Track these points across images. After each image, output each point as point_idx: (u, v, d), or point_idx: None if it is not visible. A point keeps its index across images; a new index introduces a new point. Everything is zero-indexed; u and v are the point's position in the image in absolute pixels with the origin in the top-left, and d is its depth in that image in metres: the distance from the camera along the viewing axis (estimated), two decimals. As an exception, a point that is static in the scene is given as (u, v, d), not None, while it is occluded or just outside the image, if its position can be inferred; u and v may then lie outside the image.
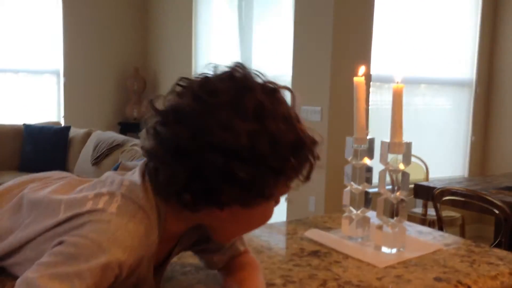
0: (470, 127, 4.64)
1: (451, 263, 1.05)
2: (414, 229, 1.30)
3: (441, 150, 4.46)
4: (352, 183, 1.19)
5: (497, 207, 2.69)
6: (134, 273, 0.72)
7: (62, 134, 4.62)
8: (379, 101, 4.09)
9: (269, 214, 0.78)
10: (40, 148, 4.50)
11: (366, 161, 1.18)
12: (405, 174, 1.11)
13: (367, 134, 1.20)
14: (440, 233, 1.32)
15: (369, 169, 1.19)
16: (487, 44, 4.64)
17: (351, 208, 1.20)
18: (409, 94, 4.29)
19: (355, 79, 1.18)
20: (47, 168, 4.23)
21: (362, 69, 1.22)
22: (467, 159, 4.65)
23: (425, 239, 1.23)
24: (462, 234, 3.57)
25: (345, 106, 3.72)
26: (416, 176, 4.00)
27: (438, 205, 3.01)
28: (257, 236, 1.20)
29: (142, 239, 0.69)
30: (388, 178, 1.12)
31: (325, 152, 3.68)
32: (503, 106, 4.59)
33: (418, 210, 3.93)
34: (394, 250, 1.11)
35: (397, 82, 1.11)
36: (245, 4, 4.47)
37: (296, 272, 0.98)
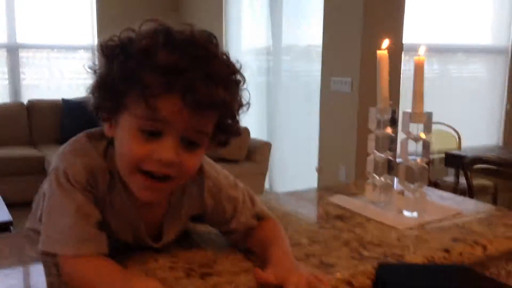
0: (505, 95, 4.57)
1: (468, 226, 1.11)
2: (436, 194, 1.35)
3: (475, 119, 4.43)
4: (375, 151, 1.25)
5: (529, 175, 2.70)
6: (103, 196, 0.83)
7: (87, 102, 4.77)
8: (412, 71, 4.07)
9: (126, 142, 0.77)
10: (79, 121, 4.62)
11: (389, 130, 1.24)
12: (425, 143, 1.17)
13: (390, 105, 1.25)
14: (461, 198, 1.37)
15: (392, 138, 1.25)
16: (523, 9, 4.52)
17: (375, 175, 1.26)
18: (442, 62, 4.25)
19: (378, 52, 1.23)
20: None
21: (386, 42, 1.27)
22: (502, 127, 4.60)
23: (445, 203, 1.28)
24: (494, 203, 3.58)
25: (375, 77, 3.72)
26: (448, 145, 4.00)
27: (469, 173, 3.03)
28: (287, 201, 1.28)
29: (80, 158, 0.81)
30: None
31: (355, 122, 3.71)
32: (540, 73, 4.49)
33: (450, 179, 3.95)
34: (414, 214, 1.17)
35: (419, 54, 1.16)
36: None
37: (321, 233, 1.06)
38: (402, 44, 3.78)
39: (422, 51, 1.16)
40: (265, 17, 4.55)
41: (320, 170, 4.01)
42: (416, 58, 1.16)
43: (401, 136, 1.21)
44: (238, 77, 0.80)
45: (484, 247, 1.01)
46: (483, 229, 1.09)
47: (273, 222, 0.98)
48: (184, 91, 0.72)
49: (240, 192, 0.95)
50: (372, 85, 4.06)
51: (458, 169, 3.47)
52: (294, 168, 4.34)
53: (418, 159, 1.18)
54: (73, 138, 0.86)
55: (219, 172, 0.93)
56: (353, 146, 3.74)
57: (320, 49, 3.91)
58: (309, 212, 1.21)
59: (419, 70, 1.16)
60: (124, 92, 0.76)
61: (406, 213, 1.18)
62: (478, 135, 4.42)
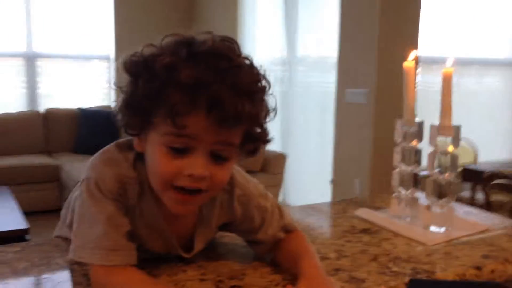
0: (522, 109, 4.54)
1: (498, 242, 1.09)
2: (462, 210, 1.33)
3: (491, 133, 4.39)
4: (401, 164, 1.24)
5: (549, 190, 2.66)
6: (133, 206, 0.83)
7: (114, 118, 4.80)
8: (427, 83, 4.06)
9: (156, 159, 0.77)
10: (95, 130, 4.70)
11: (415, 143, 1.23)
12: (453, 156, 1.15)
13: (415, 117, 1.23)
14: (487, 213, 1.35)
15: (418, 151, 1.23)
16: (541, 23, 4.49)
17: (400, 189, 1.24)
18: (458, 75, 4.22)
19: (405, 63, 1.22)
20: (100, 149, 4.41)
21: (413, 54, 1.25)
22: (518, 142, 4.55)
23: (472, 219, 1.26)
24: (512, 218, 3.53)
25: (391, 89, 3.70)
26: (464, 159, 3.96)
27: (487, 188, 3.00)
28: (309, 215, 1.27)
29: (111, 167, 0.81)
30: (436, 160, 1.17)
31: (370, 134, 3.69)
32: (558, 87, 4.45)
33: (466, 194, 3.90)
34: (442, 229, 1.15)
35: (447, 66, 1.14)
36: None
37: (349, 248, 1.04)
38: (417, 56, 3.76)
39: (450, 62, 1.15)
40: (280, 27, 4.56)
41: (334, 182, 3.99)
42: (444, 70, 1.15)
43: (426, 148, 1.20)
44: (264, 83, 0.79)
45: (516, 265, 0.99)
46: (514, 246, 1.07)
47: (300, 235, 0.97)
48: (210, 107, 0.72)
49: (269, 203, 0.94)
50: (388, 96, 4.08)
51: (475, 184, 3.43)
52: (308, 180, 4.32)
53: (446, 174, 1.16)
54: (104, 148, 0.87)
55: (249, 181, 0.93)
56: (368, 158, 3.72)
57: (335, 60, 3.91)
58: (334, 225, 1.19)
59: (447, 82, 1.14)
60: (150, 111, 0.75)
61: (433, 228, 1.16)
62: (494, 149, 4.37)
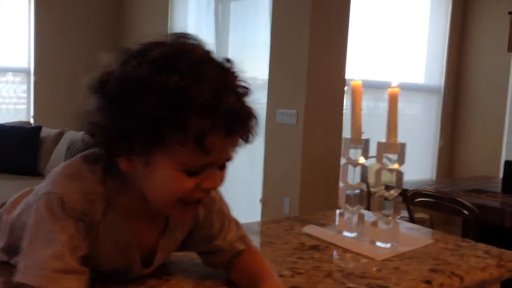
0: (438, 132, 4.82)
1: (442, 256, 1.13)
2: (403, 226, 1.37)
3: (410, 154, 4.60)
4: (348, 182, 1.25)
5: (467, 208, 2.81)
6: (96, 227, 0.77)
7: (34, 134, 4.54)
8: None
9: (169, 181, 0.73)
10: (11, 148, 4.41)
11: (362, 161, 1.25)
12: (399, 173, 1.18)
13: (362, 135, 1.26)
14: (427, 229, 1.39)
15: (364, 169, 1.25)
16: (455, 52, 4.83)
17: (347, 205, 1.26)
18: (379, 99, 4.42)
19: (352, 83, 1.24)
20: (17, 169, 4.14)
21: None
22: (435, 163, 4.82)
23: (414, 234, 1.30)
24: (431, 235, 3.70)
25: (320, 110, 3.81)
26: (385, 178, 4.13)
27: (411, 206, 3.12)
28: (259, 232, 1.25)
29: (77, 183, 0.75)
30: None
31: (300, 154, 3.76)
32: (470, 112, 4.78)
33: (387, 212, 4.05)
34: (388, 245, 1.17)
35: (393, 86, 1.18)
36: (222, 10, 4.52)
37: (302, 265, 1.03)
38: (344, 79, 3.90)
39: (395, 83, 1.19)
40: (211, 47, 4.55)
41: (264, 202, 4.00)
42: (390, 89, 1.18)
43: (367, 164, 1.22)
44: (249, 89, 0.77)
45: (462, 278, 1.02)
46: (457, 261, 1.10)
47: (255, 251, 0.95)
48: (228, 125, 0.71)
49: (226, 208, 0.93)
50: (317, 117, 4.17)
51: (399, 202, 3.57)
52: (239, 200, 4.29)
53: (392, 190, 1.18)
54: (68, 162, 0.81)
55: None
56: (297, 178, 3.77)
57: (266, 81, 3.96)
58: (283, 242, 1.18)
59: (393, 101, 1.18)
60: (162, 136, 0.69)
61: (379, 243, 1.18)
62: (413, 170, 4.59)
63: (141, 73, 0.70)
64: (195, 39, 0.77)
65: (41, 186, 0.78)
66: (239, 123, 0.72)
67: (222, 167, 0.77)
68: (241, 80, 0.75)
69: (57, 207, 0.73)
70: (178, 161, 0.71)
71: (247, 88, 0.75)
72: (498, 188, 3.24)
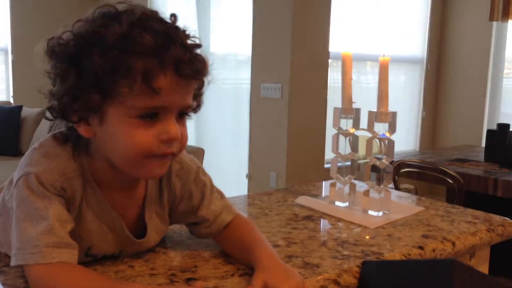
0: (421, 103, 4.85)
1: (433, 222, 1.14)
2: (393, 194, 1.38)
3: (398, 125, 4.64)
4: (339, 152, 1.25)
5: (452, 177, 2.86)
6: (80, 200, 0.78)
7: (14, 114, 4.46)
8: (337, 79, 4.20)
9: (126, 135, 0.72)
10: (-9, 128, 4.34)
11: (352, 130, 1.25)
12: (390, 142, 1.19)
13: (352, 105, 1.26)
14: (417, 197, 1.41)
15: (354, 138, 1.26)
16: (437, 23, 4.83)
17: (338, 176, 1.26)
18: (363, 72, 4.42)
19: (343, 53, 1.23)
20: (-1, 148, 3.96)
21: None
22: (418, 133, 4.87)
23: (405, 202, 1.31)
24: (416, 205, 3.76)
25: (305, 83, 3.80)
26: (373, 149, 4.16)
27: (397, 177, 3.16)
28: (251, 204, 1.25)
29: (52, 160, 0.76)
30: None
31: (285, 128, 3.76)
32: (452, 83, 4.82)
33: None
34: (380, 213, 1.18)
35: (384, 55, 1.18)
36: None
37: (296, 234, 1.04)
38: (328, 52, 3.89)
39: (387, 53, 1.18)
40: (192, 24, 4.49)
41: (249, 176, 4.02)
42: (381, 58, 1.18)
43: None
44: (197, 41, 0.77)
45: (453, 243, 1.04)
46: (448, 226, 1.12)
47: (246, 221, 0.95)
48: (176, 64, 0.71)
49: (207, 179, 0.92)
50: (301, 90, 4.16)
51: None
52: (225, 175, 4.30)
53: (384, 159, 1.19)
54: (40, 142, 0.80)
55: (185, 154, 0.90)
56: (283, 152, 3.78)
57: (249, 57, 3.93)
58: (277, 213, 1.18)
59: (384, 70, 1.18)
60: (110, 85, 0.70)
61: (371, 212, 1.19)
62: (397, 141, 4.63)
63: (85, 30, 0.72)
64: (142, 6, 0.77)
65: (16, 171, 0.78)
66: (187, 64, 0.72)
67: (181, 118, 0.77)
68: (189, 34, 0.75)
69: (37, 185, 0.73)
70: (130, 106, 0.71)
71: (195, 40, 0.76)
72: (481, 156, 3.29)
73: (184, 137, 0.77)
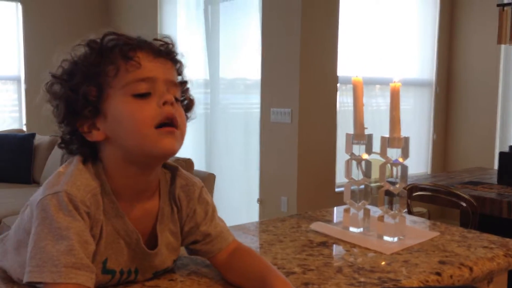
0: (431, 126, 4.84)
1: (450, 248, 1.13)
2: (408, 219, 1.37)
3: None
4: (352, 177, 1.25)
5: (465, 200, 2.83)
6: (98, 219, 0.81)
7: (27, 142, 4.51)
8: (346, 103, 4.21)
9: (128, 115, 0.80)
10: (5, 157, 4.38)
11: (365, 156, 1.25)
12: (403, 167, 1.19)
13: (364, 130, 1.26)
14: (431, 221, 1.40)
15: (367, 164, 1.26)
16: (445, 46, 4.86)
17: (352, 201, 1.26)
18: (372, 95, 4.44)
19: (353, 79, 1.25)
20: (12, 177, 4.09)
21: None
22: (430, 156, 4.85)
23: (419, 227, 1.31)
24: (429, 228, 3.72)
25: (314, 107, 3.82)
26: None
27: (409, 201, 3.14)
28: (265, 230, 1.25)
29: (79, 179, 0.80)
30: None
31: (296, 152, 3.77)
32: (462, 105, 4.82)
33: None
34: (395, 239, 1.18)
35: (394, 81, 1.19)
36: (211, 11, 4.51)
37: (312, 261, 1.03)
38: (337, 76, 3.92)
39: (397, 78, 1.20)
40: (201, 50, 4.55)
41: (261, 201, 4.01)
42: (392, 84, 1.19)
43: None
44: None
45: (471, 269, 1.03)
46: (464, 252, 1.11)
47: (248, 248, 0.95)
48: (150, 45, 0.83)
49: (209, 198, 0.95)
50: (311, 115, 4.17)
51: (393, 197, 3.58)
52: (236, 200, 4.30)
53: (397, 184, 1.19)
54: (63, 165, 0.83)
55: (190, 174, 0.94)
56: (294, 177, 3.78)
57: (258, 81, 3.96)
58: (292, 240, 1.18)
59: (395, 96, 1.19)
60: (100, 73, 0.79)
61: (386, 238, 1.19)
62: (408, 164, 4.62)
63: (72, 60, 0.83)
64: None
65: (38, 193, 0.80)
66: (163, 46, 0.84)
67: (174, 101, 0.82)
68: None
69: (66, 203, 0.76)
70: (122, 86, 0.79)
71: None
72: (493, 179, 3.26)
73: (181, 115, 0.83)
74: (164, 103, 0.80)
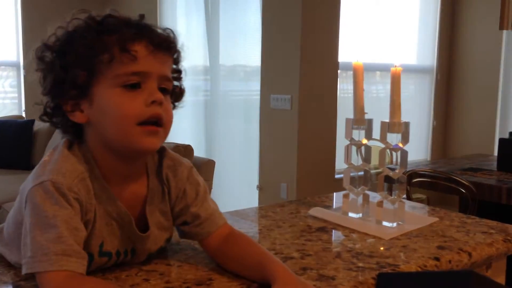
0: (431, 112, 4.83)
1: (449, 233, 1.13)
2: (407, 205, 1.37)
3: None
4: (352, 162, 1.25)
5: (465, 186, 2.83)
6: (90, 203, 0.80)
7: (26, 128, 4.50)
8: (346, 90, 4.19)
9: (114, 105, 0.78)
10: (4, 143, 4.38)
11: (364, 141, 1.24)
12: (403, 152, 1.18)
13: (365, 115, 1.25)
14: (430, 207, 1.40)
15: (367, 149, 1.25)
16: (446, 32, 4.82)
17: (351, 187, 1.26)
18: (372, 81, 4.42)
19: (354, 63, 1.23)
20: (12, 162, 4.10)
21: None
22: (430, 143, 4.84)
23: (418, 213, 1.30)
24: (429, 215, 3.72)
25: (314, 94, 3.80)
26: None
27: (408, 187, 3.14)
28: (264, 216, 1.25)
29: (64, 166, 0.79)
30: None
31: (296, 139, 3.76)
32: (462, 91, 4.80)
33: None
34: (394, 224, 1.17)
35: (395, 66, 1.17)
36: (211, -3, 4.47)
37: (310, 246, 1.03)
38: (338, 62, 3.90)
39: (398, 63, 1.18)
40: (201, 36, 4.52)
41: (260, 188, 4.01)
42: (392, 69, 1.18)
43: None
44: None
45: (470, 254, 1.03)
46: (463, 237, 1.11)
47: (241, 233, 0.94)
48: (150, 36, 0.80)
49: (201, 179, 0.94)
50: (311, 101, 4.15)
51: (392, 183, 3.58)
52: (236, 187, 4.30)
53: (397, 170, 1.19)
54: (49, 152, 0.83)
55: (177, 155, 0.93)
56: (293, 163, 3.77)
57: (258, 68, 3.94)
58: (290, 225, 1.18)
59: (396, 80, 1.18)
60: (93, 59, 0.77)
61: (385, 223, 1.18)
62: (408, 150, 4.61)
63: (68, 31, 0.81)
64: None
65: (27, 182, 0.79)
66: (161, 37, 0.81)
67: (163, 91, 0.81)
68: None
69: (52, 191, 0.75)
70: (113, 76, 0.77)
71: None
72: (493, 166, 3.26)
73: (168, 112, 0.82)
74: (153, 102, 0.79)
